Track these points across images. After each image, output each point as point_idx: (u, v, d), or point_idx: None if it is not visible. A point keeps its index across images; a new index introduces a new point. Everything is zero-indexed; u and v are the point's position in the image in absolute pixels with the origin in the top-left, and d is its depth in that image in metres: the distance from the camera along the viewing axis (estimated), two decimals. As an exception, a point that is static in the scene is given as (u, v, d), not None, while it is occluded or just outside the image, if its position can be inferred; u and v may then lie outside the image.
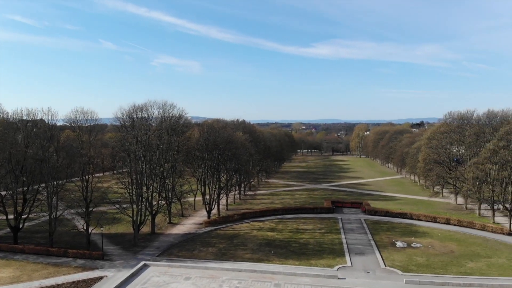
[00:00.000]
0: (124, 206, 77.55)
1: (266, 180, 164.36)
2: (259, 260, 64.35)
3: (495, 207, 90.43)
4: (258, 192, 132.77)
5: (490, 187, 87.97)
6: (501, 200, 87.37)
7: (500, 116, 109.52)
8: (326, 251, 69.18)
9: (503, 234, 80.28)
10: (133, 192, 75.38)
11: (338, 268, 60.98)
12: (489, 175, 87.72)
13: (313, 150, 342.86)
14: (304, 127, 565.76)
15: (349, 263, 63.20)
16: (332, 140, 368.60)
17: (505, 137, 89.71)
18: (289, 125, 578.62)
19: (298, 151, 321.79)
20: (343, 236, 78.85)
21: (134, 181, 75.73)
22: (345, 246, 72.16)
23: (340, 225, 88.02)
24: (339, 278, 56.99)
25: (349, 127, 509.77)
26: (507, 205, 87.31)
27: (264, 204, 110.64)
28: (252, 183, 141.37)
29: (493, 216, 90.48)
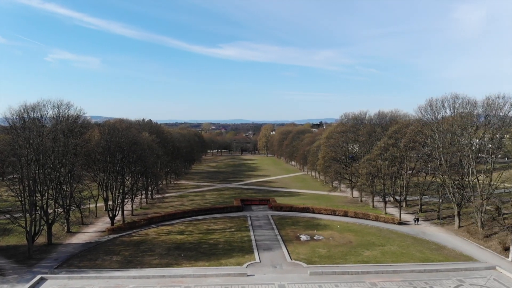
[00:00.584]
0: (16, 215, 69.97)
1: (175, 182, 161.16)
2: (168, 265, 62.79)
3: (387, 199, 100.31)
4: (167, 194, 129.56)
5: (382, 181, 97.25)
6: (391, 192, 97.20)
7: (389, 117, 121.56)
8: (236, 250, 70.11)
9: (394, 223, 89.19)
10: (26, 200, 68.35)
11: (247, 265, 62.16)
12: (381, 170, 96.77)
13: (223, 150, 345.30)
14: (213, 127, 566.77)
15: (257, 260, 64.82)
16: (241, 140, 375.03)
17: (394, 136, 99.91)
18: (198, 125, 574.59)
19: (208, 151, 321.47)
20: (252, 233, 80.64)
21: (27, 188, 68.68)
22: (253, 243, 73.87)
23: (249, 222, 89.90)
24: (248, 275, 58.12)
25: (256, 127, 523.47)
26: (397, 197, 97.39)
27: (173, 207, 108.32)
28: (160, 185, 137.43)
29: (385, 207, 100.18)
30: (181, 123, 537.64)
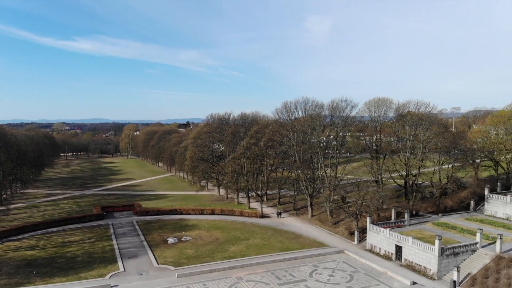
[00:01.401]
0: None
1: (22, 191, 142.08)
2: (18, 285, 55.36)
3: (250, 194, 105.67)
4: (13, 206, 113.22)
5: (245, 178, 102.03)
6: (254, 188, 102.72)
7: (251, 118, 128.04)
8: (97, 261, 65.42)
9: (257, 217, 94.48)
10: None
11: (110, 276, 58.61)
12: (244, 168, 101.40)
13: (79, 153, 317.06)
14: (67, 128, 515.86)
15: (122, 269, 61.68)
16: (101, 141, 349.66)
17: (255, 136, 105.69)
18: (49, 125, 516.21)
19: (62, 154, 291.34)
20: (114, 241, 76.26)
21: None
22: (117, 252, 70.01)
23: (112, 230, 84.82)
24: (112, 287, 54.90)
25: (118, 127, 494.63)
26: (259, 192, 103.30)
27: (21, 220, 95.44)
28: (4, 196, 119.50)
29: (249, 202, 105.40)
30: (28, 123, 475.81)
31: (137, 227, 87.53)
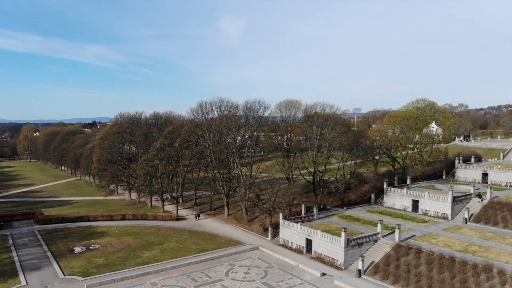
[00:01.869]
0: None
1: None
2: None
3: (164, 197, 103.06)
4: None
5: (159, 180, 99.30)
6: (169, 190, 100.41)
7: (165, 117, 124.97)
8: (-9, 278, 58.75)
9: (173, 220, 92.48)
10: None
11: (8, 294, 53.03)
12: (158, 169, 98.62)
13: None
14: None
15: (23, 282, 56.35)
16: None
17: (169, 136, 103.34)
18: None
19: None
20: (14, 253, 69.25)
21: None
22: (17, 264, 63.72)
23: (10, 241, 76.80)
24: (9, 305, 49.75)
25: (15, 128, 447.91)
26: (174, 194, 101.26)
27: None
28: None
29: (163, 205, 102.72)
30: None
31: (39, 236, 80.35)
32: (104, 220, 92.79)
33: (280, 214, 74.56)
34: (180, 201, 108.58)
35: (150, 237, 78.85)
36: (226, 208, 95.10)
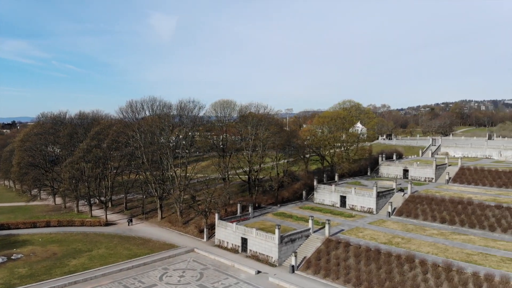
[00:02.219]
0: None
1: None
2: None
3: (92, 201, 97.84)
4: None
5: (86, 184, 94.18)
6: (97, 194, 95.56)
7: (91, 117, 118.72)
8: None
9: (101, 225, 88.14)
10: None
11: None
12: (84, 173, 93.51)
13: None
14: None
15: None
16: None
17: (97, 137, 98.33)
18: None
19: None
20: None
21: None
22: None
23: None
24: None
25: None
26: (102, 198, 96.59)
27: None
28: None
29: (91, 210, 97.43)
30: None
31: None
32: (26, 228, 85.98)
33: (216, 215, 74.39)
34: (110, 206, 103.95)
35: (78, 244, 74.55)
36: (159, 211, 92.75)
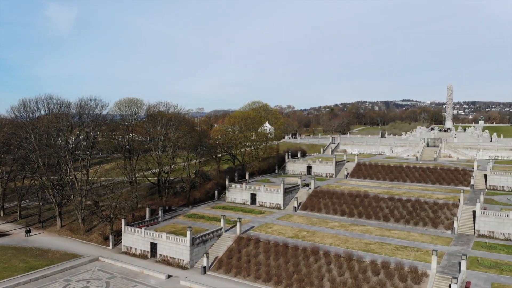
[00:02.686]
0: None
1: None
2: None
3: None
4: None
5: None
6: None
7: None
8: None
9: (-12, 238, 78.63)
10: None
11: None
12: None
13: None
14: None
15: None
16: None
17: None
18: None
19: None
20: None
21: None
22: None
23: None
24: None
25: None
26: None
27: None
28: None
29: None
30: None
31: None
32: None
33: (123, 220, 70.90)
34: (2, 214, 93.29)
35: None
36: (58, 219, 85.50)
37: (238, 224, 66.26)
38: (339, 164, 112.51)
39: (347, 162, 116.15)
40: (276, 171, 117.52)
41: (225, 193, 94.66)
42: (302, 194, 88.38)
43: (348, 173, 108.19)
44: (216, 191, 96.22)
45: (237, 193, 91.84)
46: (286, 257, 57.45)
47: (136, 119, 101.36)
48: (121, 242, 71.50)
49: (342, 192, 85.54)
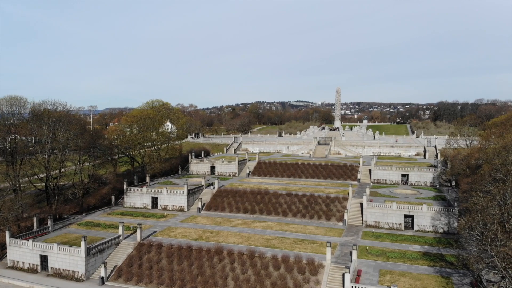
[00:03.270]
0: None
1: None
2: None
3: None
4: None
5: None
6: None
7: None
8: None
9: None
10: None
11: None
12: None
13: None
14: None
15: None
16: None
17: None
18: None
19: None
20: None
21: None
22: None
23: None
24: None
25: None
26: None
27: None
28: None
29: None
30: None
31: None
32: None
33: (7, 232, 63.18)
34: None
35: None
36: None
37: (138, 230, 63.56)
38: (241, 163, 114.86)
39: (249, 160, 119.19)
40: (179, 172, 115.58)
41: (124, 198, 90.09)
42: (206, 195, 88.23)
43: (250, 172, 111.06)
44: (113, 196, 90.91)
45: (137, 197, 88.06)
46: (190, 260, 56.83)
47: (20, 118, 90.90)
48: (6, 256, 63.78)
49: (245, 190, 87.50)
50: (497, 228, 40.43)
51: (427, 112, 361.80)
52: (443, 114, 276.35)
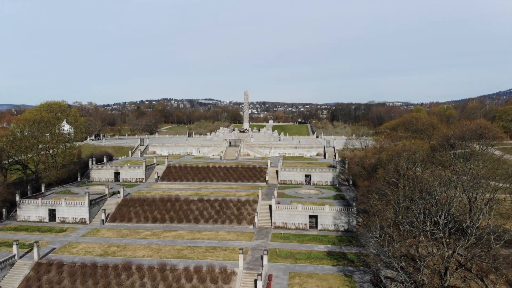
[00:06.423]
0: None
1: None
2: None
3: None
4: None
5: None
6: None
7: None
8: None
9: None
10: None
11: None
12: None
13: None
14: None
15: None
16: None
17: None
18: None
19: None
20: None
21: None
22: None
23: None
24: None
25: None
26: None
27: None
28: None
29: None
30: None
31: None
32: None
33: None
34: None
35: None
36: None
37: (35, 249, 57.86)
38: (149, 167, 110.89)
39: (157, 165, 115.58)
40: (79, 179, 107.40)
41: (16, 210, 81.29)
42: (111, 204, 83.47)
43: (158, 177, 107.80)
44: (4, 209, 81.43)
45: (32, 210, 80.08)
46: (95, 279, 53.40)
47: None
48: None
49: (154, 197, 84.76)
50: (393, 230, 45.07)
51: (325, 112, 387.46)
52: (339, 114, 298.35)
